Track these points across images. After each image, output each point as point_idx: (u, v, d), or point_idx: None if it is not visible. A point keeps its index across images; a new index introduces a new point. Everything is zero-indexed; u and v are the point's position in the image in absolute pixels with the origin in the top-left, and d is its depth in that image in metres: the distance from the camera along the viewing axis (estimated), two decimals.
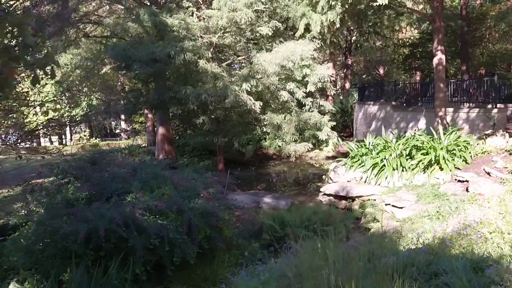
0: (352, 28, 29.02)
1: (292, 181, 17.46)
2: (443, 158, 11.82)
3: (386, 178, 12.71)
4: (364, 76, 46.91)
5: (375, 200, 12.40)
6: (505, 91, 17.90)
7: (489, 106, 14.74)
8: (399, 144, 13.27)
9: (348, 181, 13.92)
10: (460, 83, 16.76)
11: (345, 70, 37.03)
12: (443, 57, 13.98)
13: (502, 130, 14.05)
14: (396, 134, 17.28)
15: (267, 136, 12.48)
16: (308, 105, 12.23)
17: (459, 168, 11.60)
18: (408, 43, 30.62)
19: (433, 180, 11.98)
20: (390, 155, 12.89)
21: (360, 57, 42.34)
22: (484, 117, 14.48)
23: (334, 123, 11.85)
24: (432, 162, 12.15)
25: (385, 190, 12.46)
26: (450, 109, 15.73)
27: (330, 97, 29.51)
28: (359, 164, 13.69)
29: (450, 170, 11.74)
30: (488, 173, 10.82)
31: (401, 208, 11.10)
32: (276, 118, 11.40)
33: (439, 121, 14.18)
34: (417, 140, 12.81)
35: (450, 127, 13.53)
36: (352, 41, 35.39)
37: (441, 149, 12.04)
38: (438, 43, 13.86)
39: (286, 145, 11.15)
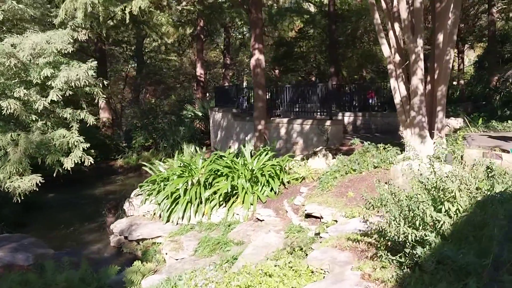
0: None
1: (99, 209, 14.24)
2: (243, 188, 9.22)
3: (181, 213, 9.86)
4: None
5: (160, 244, 9.54)
6: (350, 98, 16.16)
7: (323, 117, 12.56)
8: (202, 167, 10.52)
9: (143, 215, 10.92)
10: (296, 90, 14.54)
11: (224, 70, 34.67)
12: (262, 57, 11.55)
13: (334, 146, 11.93)
14: (235, 148, 14.78)
15: None
16: (68, 118, 8.99)
17: (269, 200, 9.17)
18: (283, 42, 28.55)
19: (232, 216, 9.37)
20: (187, 182, 10.06)
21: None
22: (317, 130, 12.27)
23: (88, 144, 8.64)
24: (231, 192, 9.54)
25: (176, 230, 9.63)
26: (285, 120, 13.42)
27: (199, 96, 26.67)
28: (158, 193, 10.72)
29: (252, 204, 9.21)
30: (287, 211, 8.39)
31: (179, 260, 8.32)
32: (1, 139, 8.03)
33: (258, 135, 11.72)
34: (219, 163, 10.12)
35: (265, 145, 11.06)
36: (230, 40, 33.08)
37: (244, 175, 9.48)
38: (256, 40, 11.40)
39: (6, 180, 7.82)
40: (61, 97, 8.41)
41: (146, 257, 9.49)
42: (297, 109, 13.83)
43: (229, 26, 32.75)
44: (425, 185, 3.99)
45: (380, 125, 14.61)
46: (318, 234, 6.44)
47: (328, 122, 12.20)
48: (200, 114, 23.20)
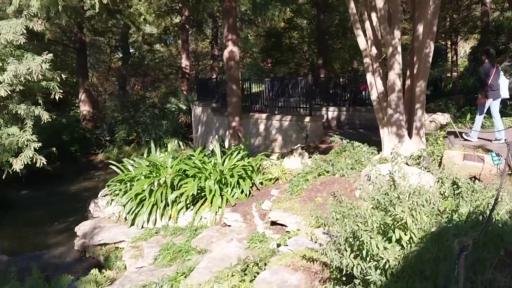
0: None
1: (72, 207, 13.59)
2: (210, 190, 8.63)
3: (147, 216, 9.27)
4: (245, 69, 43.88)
5: (122, 250, 8.98)
6: (334, 92, 15.58)
7: (303, 112, 11.95)
8: (171, 167, 9.92)
9: (109, 217, 10.33)
10: (278, 83, 13.90)
11: (212, 62, 33.90)
12: (236, 49, 10.88)
13: (313, 143, 11.34)
14: (214, 145, 14.20)
15: None
16: (22, 115, 8.34)
17: (239, 203, 8.61)
18: (272, 33, 27.78)
19: (200, 220, 8.79)
20: (153, 183, 9.46)
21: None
22: (296, 126, 11.66)
23: (40, 144, 8.00)
24: (200, 195, 8.96)
25: (140, 234, 9.05)
26: (264, 115, 12.80)
27: (184, 88, 25.91)
28: (124, 194, 10.11)
29: (220, 207, 8.63)
30: (254, 217, 7.82)
31: (137, 269, 7.76)
32: None
33: (232, 133, 11.10)
34: (188, 163, 9.52)
35: (239, 143, 10.46)
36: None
37: (212, 176, 8.90)
38: (229, 31, 10.72)
39: None
40: (9, 92, 7.71)
41: (107, 263, 8.93)
42: (278, 104, 13.21)
43: (217, 16, 31.95)
44: (379, 204, 3.40)
45: (364, 121, 14.02)
46: (280, 245, 5.89)
47: (307, 118, 11.59)
48: (184, 107, 22.52)
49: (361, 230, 2.85)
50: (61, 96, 9.09)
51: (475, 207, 3.32)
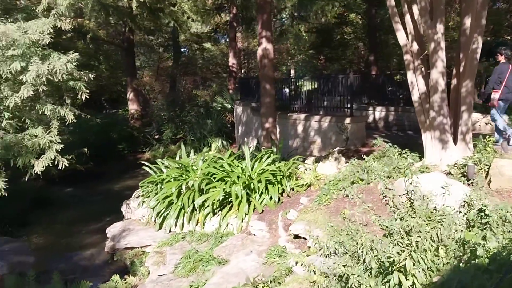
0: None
1: (110, 207, 13.64)
2: (237, 195, 8.20)
3: (174, 220, 9.02)
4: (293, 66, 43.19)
5: (148, 254, 8.78)
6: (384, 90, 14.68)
7: (343, 113, 11.26)
8: (201, 169, 9.62)
9: (139, 219, 10.19)
10: (318, 81, 13.25)
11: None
12: (270, 47, 10.35)
13: (354, 146, 10.65)
14: (253, 145, 13.81)
15: None
16: (48, 115, 8.31)
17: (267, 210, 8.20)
18: (321, 29, 26.91)
19: (226, 227, 8.42)
20: (181, 186, 9.19)
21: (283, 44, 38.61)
22: (336, 128, 11.00)
23: (62, 146, 7.89)
24: (227, 200, 8.58)
25: (166, 239, 8.81)
26: (302, 116, 12.22)
27: (231, 87, 25.67)
28: (154, 195, 9.92)
29: (247, 214, 8.19)
30: (283, 227, 7.34)
31: (157, 278, 7.50)
32: None
33: (265, 134, 10.61)
34: (216, 166, 9.17)
35: (272, 145, 9.98)
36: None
37: (239, 181, 8.48)
38: (263, 27, 10.23)
39: None
40: (33, 93, 7.64)
41: (133, 268, 8.74)
42: (317, 104, 12.57)
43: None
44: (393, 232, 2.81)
45: (414, 122, 13.01)
46: (297, 263, 5.34)
47: (348, 119, 10.89)
48: (229, 106, 22.24)
49: (348, 272, 2.29)
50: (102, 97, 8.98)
51: (509, 241, 2.65)
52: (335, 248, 2.95)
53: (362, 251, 2.52)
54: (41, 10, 8.91)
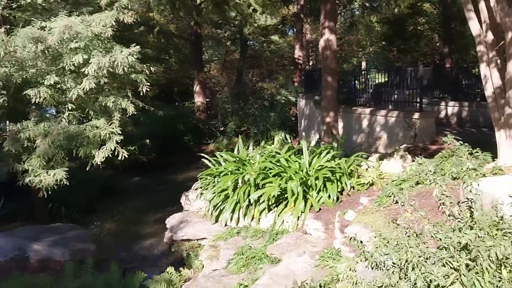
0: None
1: (173, 197, 13.91)
2: (292, 193, 7.97)
3: (229, 214, 8.97)
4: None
5: (205, 246, 8.79)
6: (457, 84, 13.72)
7: (411, 108, 10.61)
8: (258, 163, 9.48)
9: (197, 211, 10.26)
10: (386, 74, 12.58)
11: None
12: (333, 38, 9.92)
13: (422, 144, 10.02)
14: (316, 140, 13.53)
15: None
16: (110, 107, 8.54)
17: (324, 209, 7.91)
18: (393, 20, 25.75)
19: (282, 224, 8.22)
20: (237, 179, 9.10)
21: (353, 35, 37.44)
22: (404, 123, 10.40)
23: (122, 137, 8.07)
24: (283, 196, 8.37)
25: (221, 233, 8.77)
26: (367, 110, 11.69)
27: (297, 79, 25.31)
28: (211, 188, 9.93)
29: (303, 212, 7.93)
30: (339, 229, 7.02)
31: (209, 273, 7.49)
32: (32, 130, 7.78)
33: (326, 129, 10.22)
34: (272, 161, 8.97)
35: (332, 141, 9.60)
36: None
37: (296, 177, 8.22)
38: (326, 17, 9.83)
39: (31, 173, 7.56)
40: (94, 85, 7.84)
41: (188, 260, 8.80)
42: (383, 97, 11.95)
43: (337, 3, 30.59)
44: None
45: (489, 119, 12.03)
46: (350, 269, 5.01)
47: (416, 115, 10.23)
48: (293, 99, 21.95)
49: None
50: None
51: None
52: (380, 260, 2.64)
53: (407, 267, 2.20)
54: (105, 3, 9.14)
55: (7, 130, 9.47)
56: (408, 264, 2.27)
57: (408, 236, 2.86)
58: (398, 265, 2.44)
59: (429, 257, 2.41)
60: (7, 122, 9.63)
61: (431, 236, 2.65)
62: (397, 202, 6.45)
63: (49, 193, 7.75)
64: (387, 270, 2.53)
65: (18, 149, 7.70)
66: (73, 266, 7.29)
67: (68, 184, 7.80)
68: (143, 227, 11.59)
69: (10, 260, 8.34)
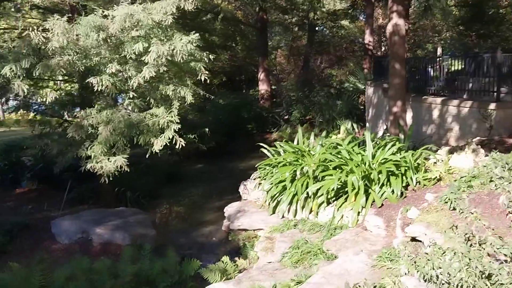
0: None
1: (232, 186, 13.95)
2: (353, 186, 7.64)
3: (287, 205, 8.80)
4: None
5: (260, 237, 8.72)
6: None
7: (488, 97, 9.78)
8: (318, 154, 9.20)
9: (255, 201, 10.19)
10: (459, 61, 11.64)
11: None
12: (402, 22, 9.26)
13: (498, 137, 9.22)
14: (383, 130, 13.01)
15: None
16: (170, 96, 8.61)
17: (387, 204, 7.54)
18: (469, 2, 23.91)
19: (340, 218, 7.94)
20: (295, 171, 8.90)
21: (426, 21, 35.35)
22: (478, 114, 9.63)
23: (179, 126, 8.10)
24: (340, 190, 8.06)
25: (278, 225, 8.65)
26: (438, 100, 10.94)
27: (366, 66, 24.39)
28: (269, 178, 9.79)
29: (364, 207, 7.59)
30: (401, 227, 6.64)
31: (264, 265, 7.42)
32: (95, 117, 8.01)
33: (392, 119, 9.67)
34: (332, 152, 8.65)
35: (400, 132, 9.07)
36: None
37: (357, 170, 7.86)
38: (394, 1, 9.17)
39: (94, 159, 7.76)
40: (154, 74, 7.90)
41: (244, 251, 8.75)
42: (456, 86, 11.11)
43: None
44: None
45: None
46: (408, 273, 4.65)
47: (492, 105, 9.40)
48: (362, 87, 21.14)
49: None
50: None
51: None
52: (431, 274, 2.33)
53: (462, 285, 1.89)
54: None
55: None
56: (462, 283, 1.95)
57: (471, 245, 2.50)
58: (451, 283, 2.12)
59: (491, 274, 2.06)
60: (78, 109, 10.03)
61: (493, 251, 2.28)
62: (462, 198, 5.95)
63: (111, 179, 7.95)
64: (442, 285, 2.22)
65: (82, 135, 7.94)
66: (131, 250, 7.46)
67: (128, 170, 7.97)
68: (203, 214, 11.71)
69: (75, 242, 8.77)
